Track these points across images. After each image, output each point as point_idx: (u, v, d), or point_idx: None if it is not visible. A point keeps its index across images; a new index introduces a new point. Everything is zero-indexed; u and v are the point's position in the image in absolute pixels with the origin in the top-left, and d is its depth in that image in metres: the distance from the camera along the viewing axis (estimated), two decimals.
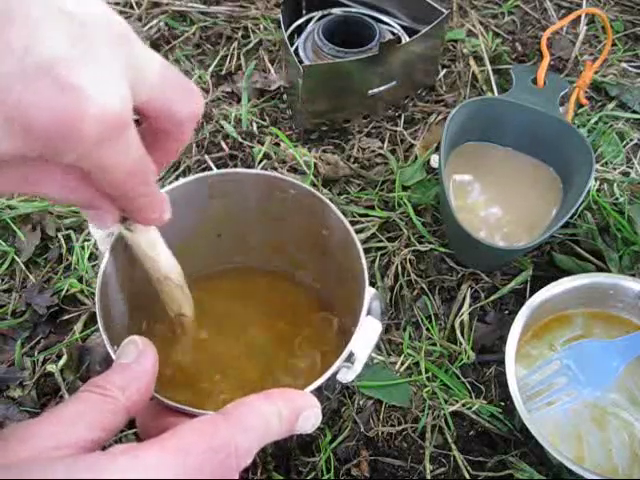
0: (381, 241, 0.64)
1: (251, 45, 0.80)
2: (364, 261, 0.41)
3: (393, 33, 0.73)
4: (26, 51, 0.22)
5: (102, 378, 0.30)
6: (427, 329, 0.59)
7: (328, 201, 0.44)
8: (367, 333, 0.39)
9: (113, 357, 0.33)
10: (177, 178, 0.67)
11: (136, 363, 0.31)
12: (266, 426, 0.30)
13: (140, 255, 0.38)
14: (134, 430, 0.51)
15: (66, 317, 0.59)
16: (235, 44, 0.80)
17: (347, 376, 0.39)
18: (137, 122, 0.28)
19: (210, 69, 0.78)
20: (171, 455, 0.27)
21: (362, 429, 0.53)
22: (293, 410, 0.32)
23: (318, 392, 0.36)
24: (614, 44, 0.81)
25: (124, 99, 0.25)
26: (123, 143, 0.26)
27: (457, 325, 0.59)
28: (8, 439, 0.26)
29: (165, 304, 0.42)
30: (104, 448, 0.27)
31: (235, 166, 0.68)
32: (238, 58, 0.79)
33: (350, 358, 0.38)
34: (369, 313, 0.40)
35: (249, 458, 0.29)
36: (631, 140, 0.72)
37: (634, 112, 0.74)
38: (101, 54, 0.24)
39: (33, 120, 0.22)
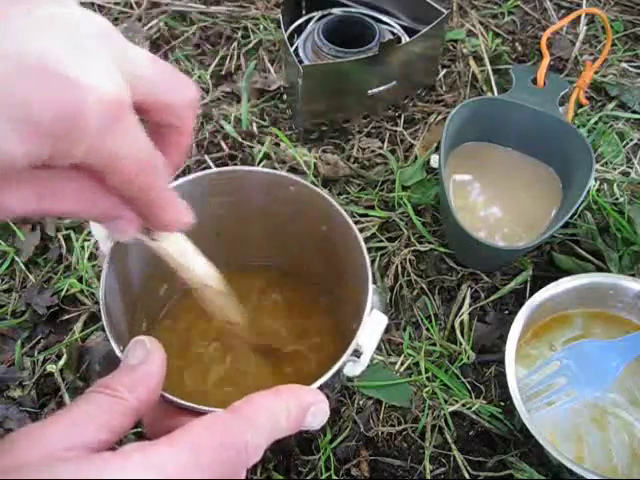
0: (381, 241, 0.64)
1: (251, 45, 0.80)
2: (366, 254, 0.41)
3: (393, 33, 0.73)
4: (20, 54, 0.22)
5: (111, 379, 0.30)
6: (427, 329, 0.59)
7: (329, 197, 0.44)
8: (373, 326, 0.39)
9: (120, 356, 0.33)
10: (177, 178, 0.67)
11: (144, 363, 0.31)
12: (275, 422, 0.30)
13: (173, 265, 0.36)
14: (134, 430, 0.51)
15: (66, 317, 0.59)
16: (235, 44, 0.80)
17: (354, 370, 0.39)
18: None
19: (210, 69, 0.78)
20: (182, 453, 0.27)
21: (362, 429, 0.53)
22: (301, 406, 0.32)
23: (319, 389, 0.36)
24: (614, 44, 0.81)
25: (119, 85, 0.25)
26: (126, 129, 0.26)
27: (457, 325, 0.59)
28: (18, 441, 0.26)
29: (211, 314, 0.40)
30: (112, 449, 0.27)
31: (235, 166, 0.69)
32: (238, 58, 0.79)
33: (356, 352, 0.38)
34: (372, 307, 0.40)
35: (259, 454, 0.29)
36: (631, 140, 0.72)
37: (634, 112, 0.74)
38: (89, 48, 0.24)
39: (38, 116, 0.23)
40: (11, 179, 0.25)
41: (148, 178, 0.28)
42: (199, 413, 0.33)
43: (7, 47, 0.22)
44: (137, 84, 0.27)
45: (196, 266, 0.36)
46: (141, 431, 0.50)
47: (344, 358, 0.37)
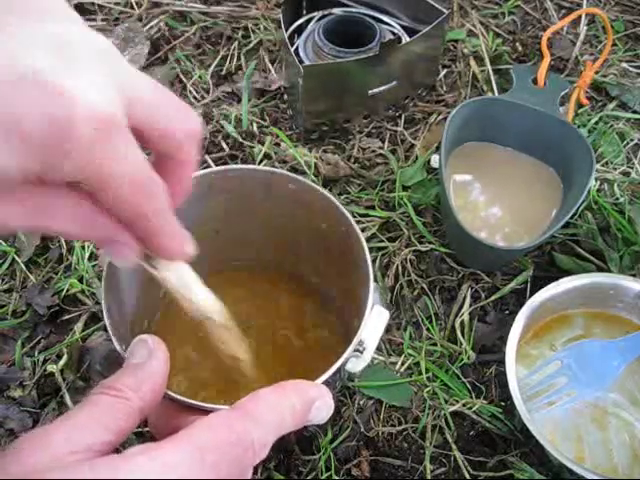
0: (382, 241, 0.64)
1: (251, 45, 0.80)
2: (367, 250, 0.41)
3: (393, 33, 0.73)
4: (12, 67, 0.22)
5: (114, 379, 0.30)
6: (427, 329, 0.59)
7: (328, 194, 0.44)
8: (375, 321, 0.39)
9: (123, 356, 0.33)
10: None
11: (148, 363, 0.31)
12: (280, 418, 0.30)
13: (174, 295, 0.34)
14: (134, 430, 0.51)
15: (66, 317, 0.59)
16: (235, 44, 0.80)
17: (357, 366, 0.39)
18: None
19: (210, 69, 0.78)
20: (189, 453, 0.27)
21: (362, 429, 0.53)
22: (306, 401, 0.32)
23: None
24: (614, 44, 0.81)
25: (111, 101, 0.25)
26: (118, 146, 0.25)
27: (457, 325, 0.59)
28: (23, 447, 0.26)
29: (216, 348, 0.39)
30: (117, 450, 0.27)
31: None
32: (238, 58, 0.79)
33: (359, 348, 0.38)
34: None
35: (265, 451, 0.29)
36: (631, 140, 0.72)
37: (634, 112, 0.74)
38: (84, 65, 0.24)
39: (28, 129, 0.23)
40: (6, 193, 0.25)
41: (144, 200, 0.27)
42: (204, 411, 0.33)
43: (0, 59, 0.22)
44: (136, 106, 0.26)
45: (198, 298, 0.35)
46: (141, 431, 0.51)
47: (347, 353, 0.37)
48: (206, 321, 0.36)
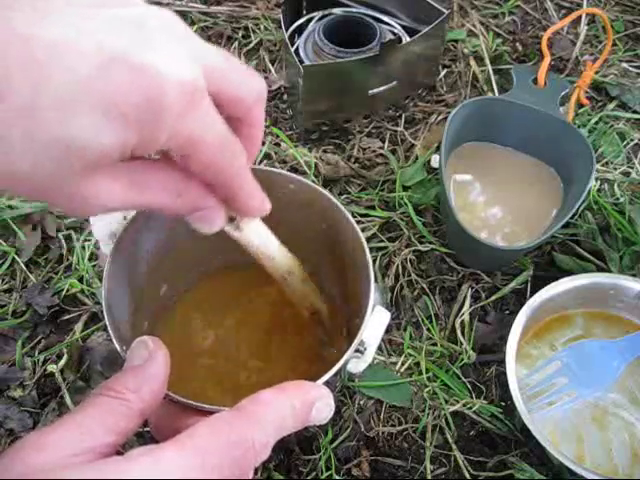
0: (382, 241, 0.64)
1: (252, 45, 0.80)
2: (367, 250, 0.41)
3: (394, 33, 0.73)
4: (98, 51, 0.24)
5: (114, 381, 0.29)
6: (428, 329, 0.59)
7: (328, 194, 0.44)
8: (376, 321, 0.39)
9: (123, 356, 0.33)
10: None
11: (148, 364, 0.31)
12: (281, 420, 0.31)
13: (257, 255, 0.37)
14: (134, 431, 0.51)
15: (66, 317, 0.59)
16: (236, 44, 0.80)
17: (357, 366, 0.39)
18: None
19: None
20: (190, 455, 0.27)
21: (362, 429, 0.53)
22: (307, 402, 0.32)
23: None
24: (614, 44, 0.81)
25: (194, 70, 0.26)
26: (204, 112, 0.27)
27: (458, 325, 0.59)
28: (24, 448, 0.26)
29: (297, 303, 0.41)
30: (118, 452, 0.27)
31: None
32: (239, 58, 0.79)
33: (360, 348, 0.38)
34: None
35: (267, 452, 0.29)
36: (632, 140, 0.72)
37: (635, 112, 0.74)
38: (159, 39, 0.26)
39: (125, 107, 0.24)
40: (104, 171, 0.26)
41: (229, 161, 0.29)
42: (205, 412, 0.33)
43: (85, 45, 0.23)
44: (210, 74, 0.28)
45: (278, 255, 0.37)
46: (141, 431, 0.51)
47: (349, 353, 0.37)
48: (287, 277, 0.38)
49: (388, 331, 0.58)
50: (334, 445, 0.52)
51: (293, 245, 0.51)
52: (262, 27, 0.82)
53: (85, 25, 0.24)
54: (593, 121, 0.72)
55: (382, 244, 0.64)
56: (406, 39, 0.72)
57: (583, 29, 0.82)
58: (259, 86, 0.31)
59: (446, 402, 0.54)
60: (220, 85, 0.29)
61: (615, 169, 0.69)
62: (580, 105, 0.74)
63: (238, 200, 0.32)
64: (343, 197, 0.67)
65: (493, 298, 0.61)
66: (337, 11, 0.75)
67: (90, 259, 0.61)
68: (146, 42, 0.25)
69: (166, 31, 0.26)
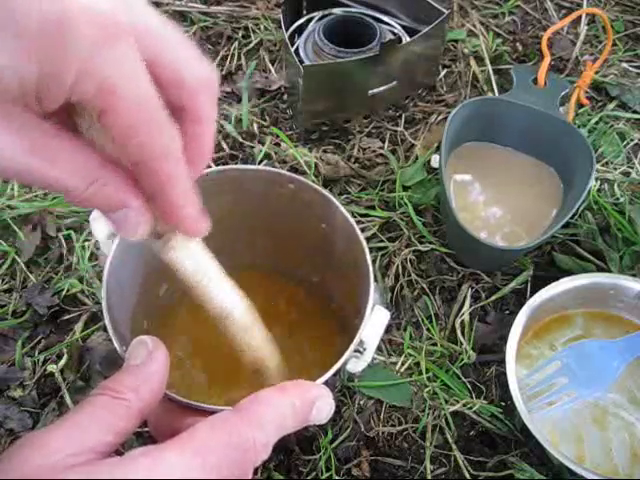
0: (382, 241, 0.64)
1: (252, 45, 0.80)
2: (367, 250, 0.41)
3: (394, 33, 0.73)
4: None
5: (113, 380, 0.29)
6: (428, 329, 0.59)
7: (328, 194, 0.44)
8: (376, 321, 0.39)
9: (123, 356, 0.33)
10: None
11: (147, 364, 0.31)
12: (281, 419, 0.31)
13: (188, 283, 0.30)
14: (134, 431, 0.51)
15: (66, 317, 0.59)
16: (235, 44, 0.80)
17: (357, 366, 0.39)
18: None
19: None
20: (191, 455, 0.27)
21: (362, 429, 0.53)
22: (307, 402, 0.32)
23: None
24: (614, 44, 0.81)
25: (115, 6, 0.23)
26: (123, 57, 0.23)
27: (458, 325, 0.59)
28: (24, 448, 0.26)
29: (240, 353, 0.34)
30: (118, 452, 0.27)
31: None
32: (239, 58, 0.79)
33: (359, 348, 0.38)
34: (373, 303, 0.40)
35: (267, 452, 0.29)
36: (632, 140, 0.72)
37: (635, 112, 0.74)
38: None
39: (22, 23, 0.21)
40: (3, 120, 0.23)
41: (154, 133, 0.25)
42: (204, 412, 0.33)
43: None
44: (143, 35, 0.24)
45: (216, 289, 0.30)
46: (141, 431, 0.51)
47: (348, 353, 0.37)
48: (224, 319, 0.31)
49: (388, 331, 0.58)
50: (334, 445, 0.52)
51: (293, 245, 0.51)
52: (262, 27, 0.82)
53: None
54: (593, 121, 0.72)
55: (382, 244, 0.64)
56: (406, 39, 0.72)
57: (583, 29, 0.82)
58: (207, 73, 0.27)
59: (446, 402, 0.54)
60: (155, 53, 0.25)
61: (615, 169, 0.69)
62: (580, 105, 0.74)
63: (168, 202, 0.27)
64: (343, 197, 0.67)
65: (493, 298, 0.61)
66: (337, 11, 0.75)
67: (90, 259, 0.61)
68: None
69: None
